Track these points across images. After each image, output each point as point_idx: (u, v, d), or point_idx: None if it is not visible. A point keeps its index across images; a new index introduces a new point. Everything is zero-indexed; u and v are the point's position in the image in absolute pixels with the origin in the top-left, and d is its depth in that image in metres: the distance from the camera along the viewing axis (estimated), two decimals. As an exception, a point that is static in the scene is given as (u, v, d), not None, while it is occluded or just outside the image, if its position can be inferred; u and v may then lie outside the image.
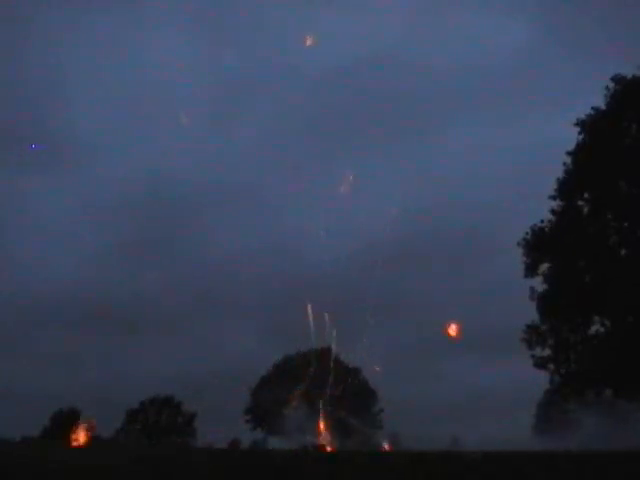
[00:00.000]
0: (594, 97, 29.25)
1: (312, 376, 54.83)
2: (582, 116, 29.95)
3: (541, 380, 32.85)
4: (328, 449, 46.64)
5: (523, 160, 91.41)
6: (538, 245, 30.18)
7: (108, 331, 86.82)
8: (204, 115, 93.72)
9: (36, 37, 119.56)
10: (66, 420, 75.06)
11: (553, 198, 30.42)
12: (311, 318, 53.47)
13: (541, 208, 30.59)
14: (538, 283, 30.26)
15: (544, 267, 30.29)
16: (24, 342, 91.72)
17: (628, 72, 29.65)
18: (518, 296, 33.22)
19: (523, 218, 31.19)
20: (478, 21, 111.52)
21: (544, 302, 29.71)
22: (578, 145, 29.95)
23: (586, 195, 29.90)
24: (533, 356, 29.92)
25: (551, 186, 30.23)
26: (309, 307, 53.23)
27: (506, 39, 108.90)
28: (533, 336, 29.68)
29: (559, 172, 30.26)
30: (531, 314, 30.15)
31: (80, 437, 39.02)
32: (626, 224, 29.11)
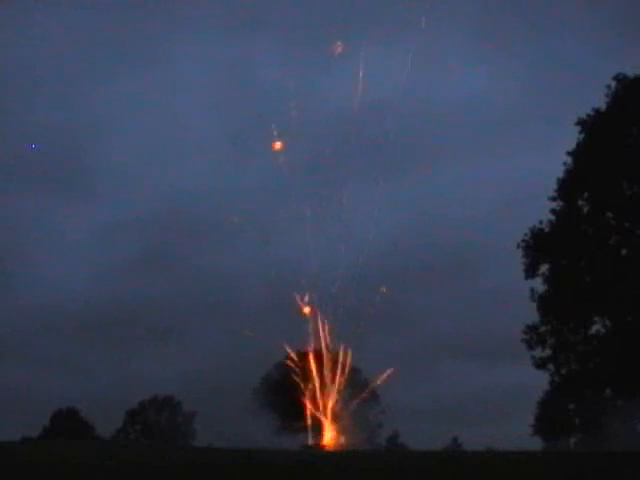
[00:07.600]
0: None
1: (313, 376, 54.85)
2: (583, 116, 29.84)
3: (541, 380, 32.89)
4: (329, 449, 46.55)
5: (513, 183, 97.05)
6: (538, 246, 30.11)
7: (108, 333, 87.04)
8: (220, 145, 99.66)
9: (75, 77, 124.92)
10: (66, 420, 75.09)
11: (553, 199, 30.36)
12: (312, 320, 53.52)
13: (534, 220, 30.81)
14: (538, 284, 30.21)
15: (544, 268, 30.23)
16: (24, 343, 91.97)
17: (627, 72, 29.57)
18: (516, 301, 33.59)
19: (517, 230, 31.51)
20: (470, 69, 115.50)
21: (544, 302, 29.64)
22: (578, 145, 29.88)
23: (586, 195, 29.83)
24: (533, 357, 29.86)
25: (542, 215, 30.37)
26: (310, 309, 53.28)
27: (496, 84, 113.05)
28: (533, 336, 29.61)
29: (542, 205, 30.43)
30: (529, 318, 30.14)
31: None
32: (627, 224, 29.06)
